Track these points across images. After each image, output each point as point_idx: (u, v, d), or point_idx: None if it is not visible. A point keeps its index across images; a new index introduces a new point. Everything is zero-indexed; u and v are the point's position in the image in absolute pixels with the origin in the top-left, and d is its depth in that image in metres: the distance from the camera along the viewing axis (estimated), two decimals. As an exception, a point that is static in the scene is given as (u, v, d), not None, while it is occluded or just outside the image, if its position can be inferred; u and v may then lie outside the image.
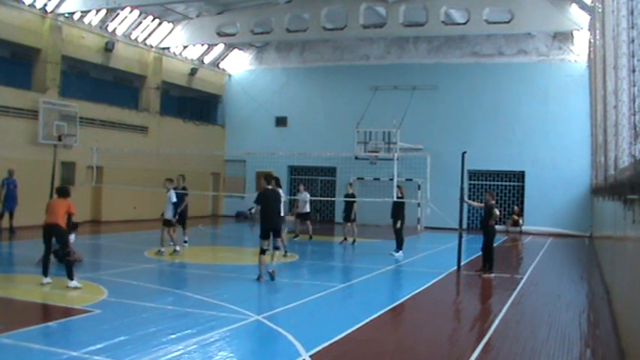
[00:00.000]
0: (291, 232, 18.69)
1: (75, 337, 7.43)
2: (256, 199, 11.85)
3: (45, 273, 10.47)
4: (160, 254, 14.63)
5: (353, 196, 19.57)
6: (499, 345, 7.70)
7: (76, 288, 10.12)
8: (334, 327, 8.04)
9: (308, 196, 19.76)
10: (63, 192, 11.17)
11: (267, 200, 11.72)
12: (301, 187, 20.26)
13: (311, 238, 19.21)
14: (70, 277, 10.22)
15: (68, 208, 10.69)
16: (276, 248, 12.13)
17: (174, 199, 14.92)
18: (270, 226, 11.63)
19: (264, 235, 11.63)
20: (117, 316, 8.32)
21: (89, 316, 8.32)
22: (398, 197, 16.24)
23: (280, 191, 12.97)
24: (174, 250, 14.86)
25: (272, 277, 11.54)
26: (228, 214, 30.17)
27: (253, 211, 28.84)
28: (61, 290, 9.95)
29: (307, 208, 19.64)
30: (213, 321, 8.22)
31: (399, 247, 16.22)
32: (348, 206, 19.03)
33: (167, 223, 14.93)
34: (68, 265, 10.32)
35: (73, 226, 11.74)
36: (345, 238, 19.13)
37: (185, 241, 16.33)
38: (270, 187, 12.11)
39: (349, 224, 19.04)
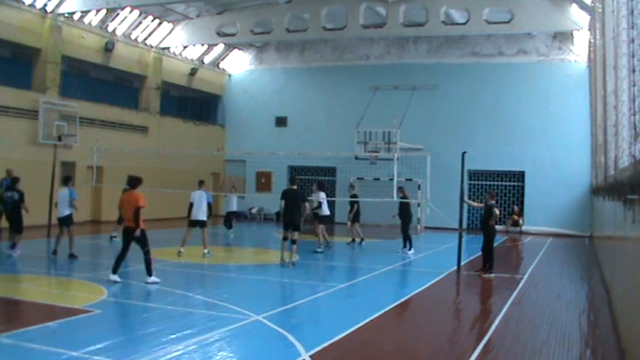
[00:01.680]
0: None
1: (75, 337, 7.40)
2: (281, 195, 13.75)
3: (114, 271, 10.55)
4: (179, 255, 14.56)
5: (355, 196, 19.40)
6: (499, 345, 7.70)
7: (154, 283, 10.37)
8: (334, 327, 8.04)
9: (324, 195, 19.03)
10: (130, 182, 10.82)
11: (286, 198, 13.62)
12: (314, 187, 19.81)
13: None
14: (149, 273, 10.46)
15: (136, 202, 10.36)
16: (293, 242, 13.52)
17: (210, 200, 15.10)
18: (287, 220, 13.59)
19: (284, 227, 13.74)
20: (117, 316, 8.32)
21: (89, 316, 8.31)
22: (400, 198, 16.56)
23: (322, 194, 16.71)
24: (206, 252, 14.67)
25: (292, 264, 13.47)
26: (228, 214, 30.08)
27: (254, 211, 29.18)
28: (61, 290, 9.95)
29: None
30: (213, 321, 8.22)
31: (409, 245, 16.73)
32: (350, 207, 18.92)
33: (203, 224, 14.76)
34: (147, 262, 10.54)
35: None
36: (353, 240, 19.05)
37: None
38: (294, 187, 14.02)
39: (352, 224, 18.93)
